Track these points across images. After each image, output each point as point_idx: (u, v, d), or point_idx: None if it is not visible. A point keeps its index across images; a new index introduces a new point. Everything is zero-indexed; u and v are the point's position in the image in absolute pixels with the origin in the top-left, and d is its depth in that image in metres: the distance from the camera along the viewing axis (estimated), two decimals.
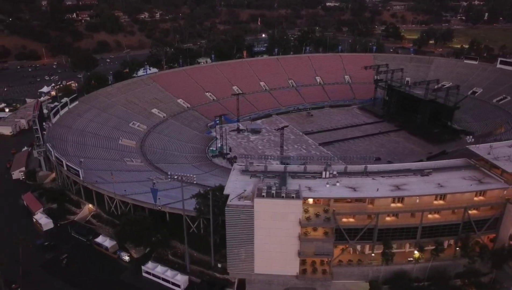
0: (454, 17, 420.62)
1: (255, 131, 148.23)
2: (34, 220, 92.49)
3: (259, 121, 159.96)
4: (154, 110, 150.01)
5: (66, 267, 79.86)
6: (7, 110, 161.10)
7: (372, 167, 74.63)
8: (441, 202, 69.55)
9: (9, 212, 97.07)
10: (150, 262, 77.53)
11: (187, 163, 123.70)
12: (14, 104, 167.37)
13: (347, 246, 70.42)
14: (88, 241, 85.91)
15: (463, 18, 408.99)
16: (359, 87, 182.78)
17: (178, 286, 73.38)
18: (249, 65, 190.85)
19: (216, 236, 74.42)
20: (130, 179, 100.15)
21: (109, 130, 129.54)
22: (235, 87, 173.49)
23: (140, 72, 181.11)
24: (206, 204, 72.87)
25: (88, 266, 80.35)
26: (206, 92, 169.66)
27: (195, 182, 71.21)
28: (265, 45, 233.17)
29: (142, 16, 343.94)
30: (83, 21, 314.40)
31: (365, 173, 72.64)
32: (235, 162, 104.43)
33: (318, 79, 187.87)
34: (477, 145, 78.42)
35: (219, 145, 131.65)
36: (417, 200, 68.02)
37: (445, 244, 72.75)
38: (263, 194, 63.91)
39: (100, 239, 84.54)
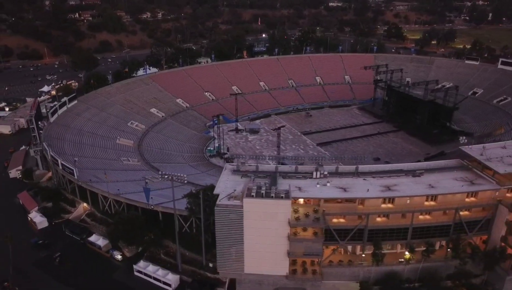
0: (458, 17, 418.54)
1: (254, 131, 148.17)
2: (29, 218, 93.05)
3: (258, 121, 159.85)
4: (153, 110, 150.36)
5: (59, 266, 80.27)
6: (7, 109, 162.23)
7: (363, 167, 74.37)
8: (432, 203, 69.20)
9: (5, 211, 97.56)
10: (142, 261, 77.79)
11: (184, 163, 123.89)
12: (14, 103, 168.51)
13: (337, 246, 70.22)
14: (81, 240, 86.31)
15: (467, 18, 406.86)
16: (359, 87, 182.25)
17: (169, 285, 73.61)
18: (249, 65, 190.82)
19: (208, 236, 74.43)
20: (126, 178, 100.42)
21: (107, 129, 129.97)
22: (234, 87, 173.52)
23: (140, 72, 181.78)
24: (197, 203, 72.96)
25: (81, 265, 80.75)
26: (206, 92, 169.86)
27: (185, 181, 71.15)
28: (267, 45, 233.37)
29: (144, 16, 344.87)
30: (85, 21, 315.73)
31: (356, 174, 72.43)
32: (232, 162, 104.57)
33: (318, 79, 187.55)
34: (470, 146, 77.97)
35: (217, 145, 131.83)
36: (408, 201, 67.73)
37: (437, 245, 72.58)
38: (252, 194, 63.91)
39: (93, 238, 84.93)
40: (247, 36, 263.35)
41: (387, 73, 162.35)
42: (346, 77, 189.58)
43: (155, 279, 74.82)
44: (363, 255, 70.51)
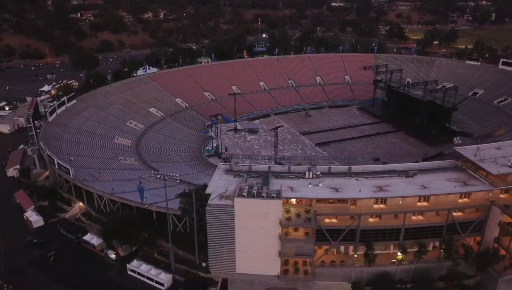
0: (461, 18, 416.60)
1: (252, 131, 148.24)
2: (25, 217, 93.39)
3: (257, 121, 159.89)
4: (152, 109, 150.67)
5: (53, 264, 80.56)
6: (7, 108, 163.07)
7: (356, 167, 74.15)
8: (425, 203, 68.91)
9: (1, 210, 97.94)
10: (135, 260, 77.98)
11: (182, 163, 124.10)
12: (15, 103, 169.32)
13: (330, 247, 70.06)
14: (76, 239, 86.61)
15: (470, 18, 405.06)
16: (359, 87, 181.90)
17: (162, 284, 73.76)
18: (249, 65, 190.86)
19: (201, 235, 74.35)
20: (122, 177, 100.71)
21: (106, 128, 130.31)
22: (234, 87, 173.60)
23: (140, 72, 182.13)
24: (190, 203, 73.03)
25: (75, 264, 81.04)
26: (205, 91, 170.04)
27: (178, 181, 71.22)
28: (267, 45, 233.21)
29: (146, 16, 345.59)
30: (87, 20, 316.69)
31: (349, 174, 72.27)
32: (229, 161, 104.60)
33: (318, 79, 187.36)
34: (464, 147, 77.60)
35: (215, 145, 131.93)
36: (400, 202, 67.47)
37: (430, 246, 72.27)
38: (243, 193, 63.80)
39: (87, 237, 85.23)
40: (248, 36, 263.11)
41: (386, 73, 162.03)
42: (346, 77, 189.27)
43: (148, 278, 75.00)
44: (355, 256, 70.33)
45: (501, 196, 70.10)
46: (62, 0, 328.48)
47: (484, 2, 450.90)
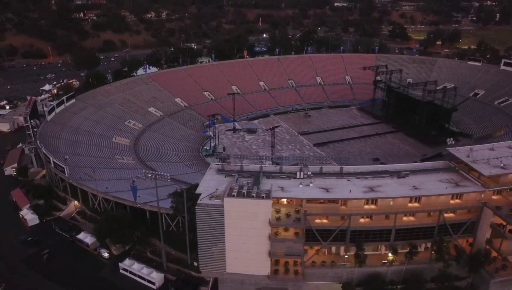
0: (465, 18, 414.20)
1: (251, 131, 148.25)
2: (21, 215, 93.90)
3: (256, 121, 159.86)
4: (151, 109, 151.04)
5: (47, 263, 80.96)
6: (7, 107, 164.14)
7: (348, 168, 73.88)
8: (416, 204, 68.54)
9: None
10: (127, 259, 78.24)
11: (179, 162, 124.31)
12: (15, 102, 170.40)
13: (320, 247, 69.86)
14: (70, 237, 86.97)
15: (474, 18, 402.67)
16: (359, 87, 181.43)
17: (153, 283, 73.91)
18: (250, 65, 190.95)
19: (192, 235, 74.33)
20: (118, 176, 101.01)
21: (104, 128, 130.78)
22: (234, 87, 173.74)
23: (140, 72, 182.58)
24: (182, 202, 73.11)
25: (68, 262, 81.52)
26: (205, 91, 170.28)
27: (169, 180, 71.42)
28: (268, 45, 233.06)
29: (149, 16, 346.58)
30: (89, 20, 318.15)
31: (341, 174, 72.02)
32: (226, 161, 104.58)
33: (319, 79, 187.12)
34: (457, 148, 77.13)
35: (213, 145, 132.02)
36: (391, 202, 67.16)
37: (422, 247, 71.87)
38: (233, 193, 63.81)
39: (81, 236, 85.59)
40: (250, 36, 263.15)
41: (386, 74, 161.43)
42: (346, 77, 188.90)
43: (139, 277, 75.26)
44: (346, 256, 70.03)
45: (493, 197, 69.66)
46: (65, 0, 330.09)
47: (488, 2, 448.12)
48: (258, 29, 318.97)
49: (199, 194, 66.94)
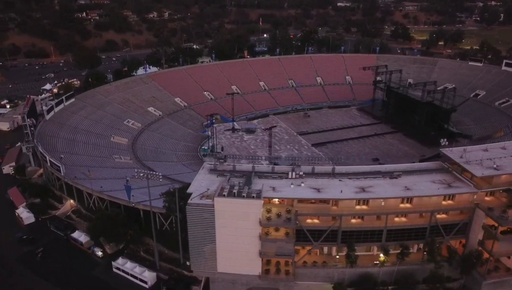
0: (469, 18, 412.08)
1: (250, 131, 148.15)
2: (17, 214, 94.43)
3: (255, 121, 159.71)
4: (150, 109, 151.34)
5: (41, 261, 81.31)
6: (8, 106, 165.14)
7: (340, 168, 73.73)
8: (408, 205, 68.31)
9: None
10: (120, 258, 78.42)
11: (177, 162, 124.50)
12: (16, 101, 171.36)
13: (312, 247, 69.76)
14: (65, 236, 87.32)
15: (478, 19, 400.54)
16: (359, 88, 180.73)
17: (145, 282, 74.07)
18: (250, 65, 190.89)
19: (184, 234, 74.39)
20: (114, 176, 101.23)
21: (103, 127, 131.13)
22: (234, 87, 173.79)
23: (140, 71, 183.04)
24: (174, 201, 73.25)
25: (62, 260, 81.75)
26: (205, 91, 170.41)
27: (160, 179, 71.59)
28: (269, 45, 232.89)
29: (151, 16, 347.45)
30: (92, 20, 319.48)
31: (333, 174, 71.87)
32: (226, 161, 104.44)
33: (319, 79, 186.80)
34: (451, 148, 76.78)
35: (211, 144, 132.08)
36: (382, 203, 66.98)
37: (415, 248, 71.65)
38: (224, 193, 63.88)
39: (76, 234, 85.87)
40: (251, 36, 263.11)
41: (386, 74, 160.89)
42: (347, 77, 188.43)
43: (132, 276, 75.42)
44: (337, 257, 69.91)
45: (486, 198, 69.33)
46: (68, 0, 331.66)
47: (493, 3, 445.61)
48: (260, 29, 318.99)
49: (191, 194, 67.13)
